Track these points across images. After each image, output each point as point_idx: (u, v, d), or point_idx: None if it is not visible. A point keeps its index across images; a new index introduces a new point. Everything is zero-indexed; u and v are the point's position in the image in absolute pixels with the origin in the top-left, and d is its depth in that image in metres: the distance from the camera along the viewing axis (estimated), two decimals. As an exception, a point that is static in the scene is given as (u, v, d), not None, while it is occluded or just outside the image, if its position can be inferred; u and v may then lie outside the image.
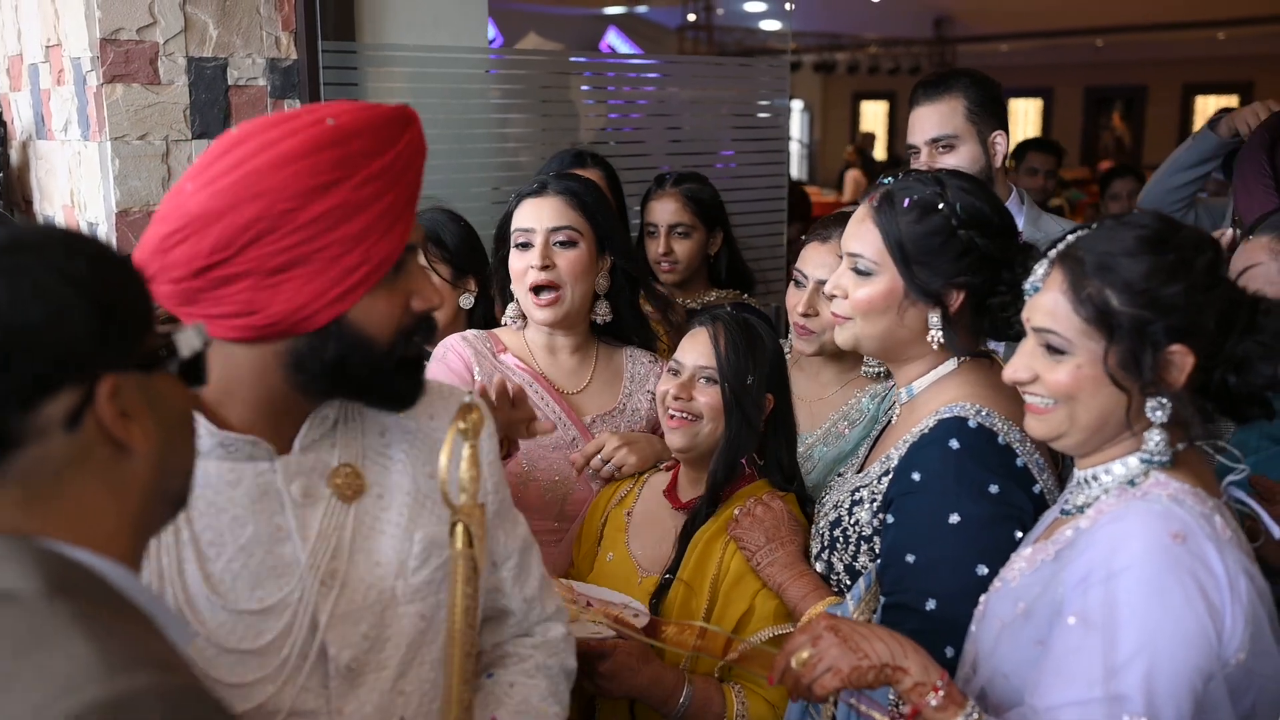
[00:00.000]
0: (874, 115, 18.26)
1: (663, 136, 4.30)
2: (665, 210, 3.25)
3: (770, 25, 12.93)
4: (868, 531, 1.92)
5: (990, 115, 2.93)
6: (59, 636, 0.88)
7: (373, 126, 1.36)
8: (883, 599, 1.85)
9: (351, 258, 1.32)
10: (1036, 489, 1.83)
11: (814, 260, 2.52)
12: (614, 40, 12.34)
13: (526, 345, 2.54)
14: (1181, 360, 1.50)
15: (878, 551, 1.90)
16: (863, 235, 1.93)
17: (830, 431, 2.52)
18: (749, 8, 12.73)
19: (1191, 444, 1.57)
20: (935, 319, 1.89)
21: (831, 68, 16.80)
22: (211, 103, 3.13)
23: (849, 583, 1.95)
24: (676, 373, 2.22)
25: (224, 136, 1.40)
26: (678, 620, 2.08)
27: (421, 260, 2.46)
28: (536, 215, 2.43)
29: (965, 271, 1.87)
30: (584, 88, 4.23)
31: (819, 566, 2.03)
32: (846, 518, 1.97)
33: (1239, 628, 1.43)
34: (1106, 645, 1.43)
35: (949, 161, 2.86)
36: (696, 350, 2.20)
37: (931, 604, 1.78)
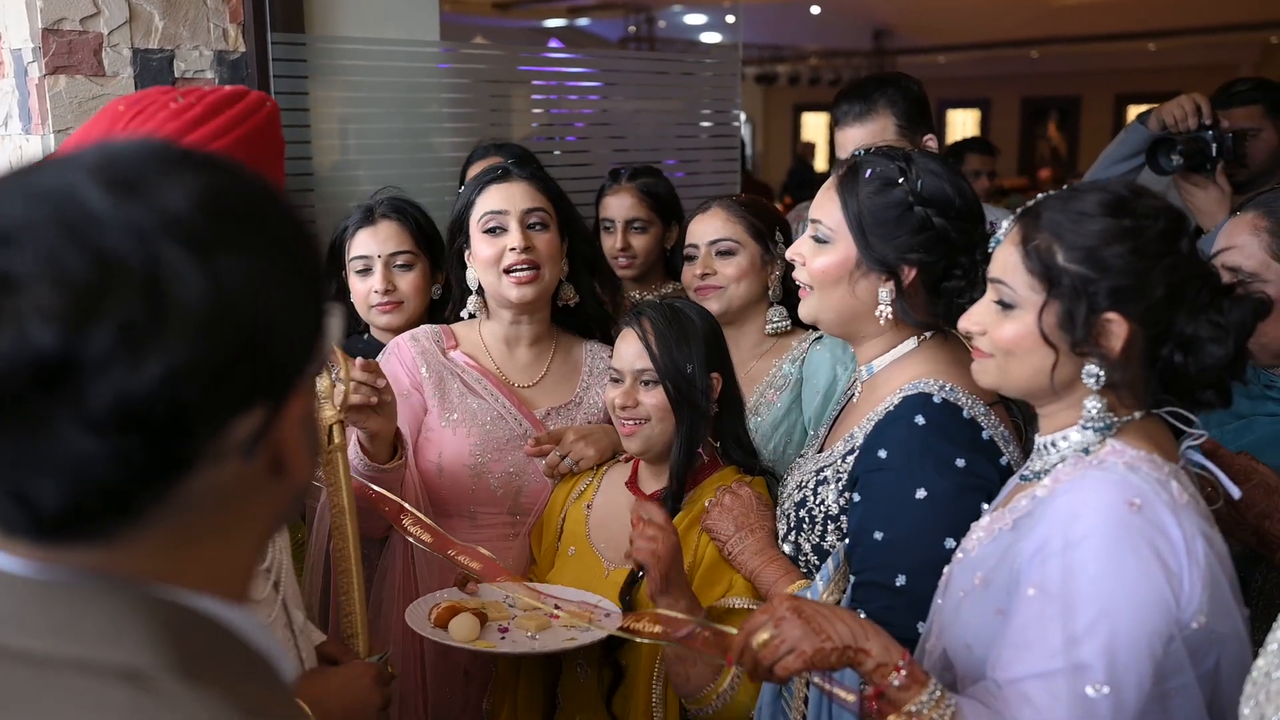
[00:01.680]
0: (815, 127, 18.40)
1: (610, 134, 4.31)
2: (621, 205, 3.24)
3: (711, 37, 13.00)
4: (834, 511, 1.92)
5: (919, 123, 2.86)
6: None
7: (279, 115, 1.48)
8: (852, 577, 1.85)
9: None
10: (1004, 460, 1.84)
11: (699, 230, 2.67)
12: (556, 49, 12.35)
13: (481, 340, 2.53)
14: (1118, 329, 1.50)
15: (845, 530, 1.89)
16: (825, 204, 1.95)
17: (759, 402, 2.56)
18: (690, 20, 12.78)
19: (1149, 411, 1.57)
20: (885, 293, 1.90)
21: (773, 79, 16.91)
22: (157, 95, 3.07)
23: (817, 563, 1.95)
24: (618, 380, 2.21)
25: (192, 102, 1.38)
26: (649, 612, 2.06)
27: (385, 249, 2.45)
28: (509, 198, 2.42)
29: (919, 248, 1.88)
30: (535, 82, 4.23)
31: (786, 548, 2.02)
32: (811, 498, 1.96)
33: (1197, 592, 1.44)
34: (1065, 616, 1.43)
35: None
36: (630, 352, 2.19)
37: (901, 580, 1.78)
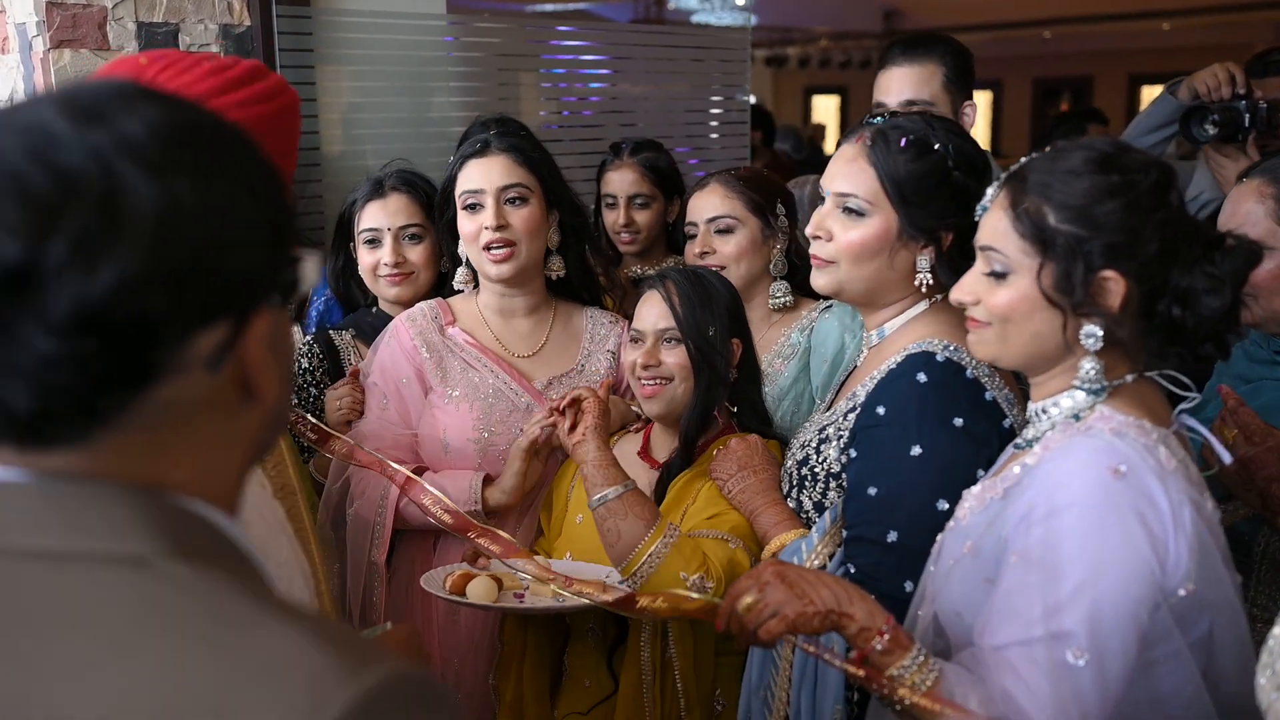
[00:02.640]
0: (825, 109, 18.33)
1: (617, 113, 4.31)
2: (624, 181, 3.21)
3: (722, 19, 12.96)
4: (835, 469, 1.91)
5: (964, 86, 2.87)
6: (260, 620, 0.79)
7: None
8: (845, 532, 1.84)
9: None
10: (1006, 423, 1.83)
11: (697, 207, 2.64)
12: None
13: (479, 311, 2.52)
14: (1115, 286, 1.48)
15: (847, 485, 1.89)
16: (855, 174, 1.89)
17: (767, 371, 2.55)
18: (701, 2, 12.74)
19: (1142, 375, 1.56)
20: (924, 261, 1.89)
21: (783, 62, 16.84)
22: (163, 69, 3.06)
23: (818, 520, 1.93)
24: (639, 340, 2.20)
25: (227, 63, 1.41)
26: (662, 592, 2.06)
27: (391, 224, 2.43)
28: (485, 175, 2.40)
29: (958, 212, 1.85)
30: (545, 56, 4.21)
31: (789, 505, 2.02)
32: (814, 456, 1.96)
33: (1184, 558, 1.43)
34: (1048, 583, 1.42)
35: None
36: (654, 313, 2.19)
37: (893, 536, 1.77)
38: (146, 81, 1.31)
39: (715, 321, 2.15)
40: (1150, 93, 15.79)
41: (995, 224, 1.57)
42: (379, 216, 2.76)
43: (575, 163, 4.13)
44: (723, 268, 2.56)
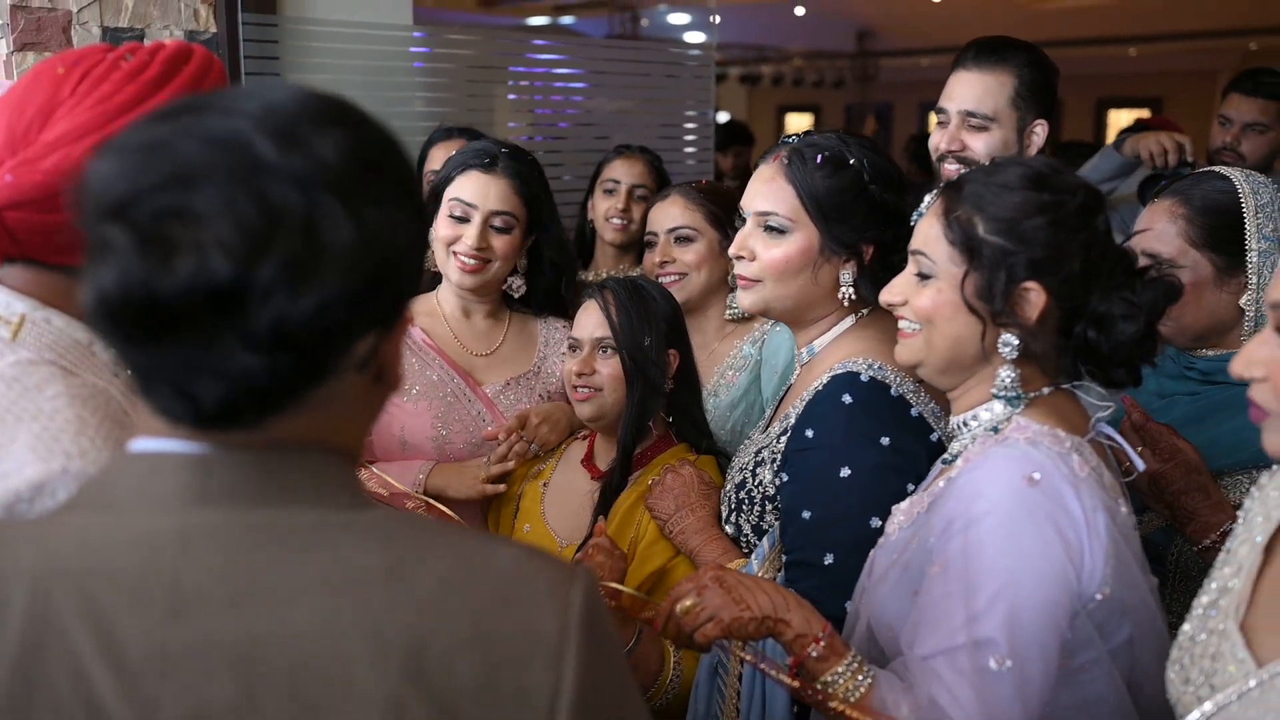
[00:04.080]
0: (799, 128, 18.46)
1: (582, 125, 4.34)
2: (631, 170, 3.26)
3: (694, 37, 13.04)
4: (770, 491, 1.93)
5: (1037, 102, 2.61)
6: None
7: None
8: (784, 557, 1.87)
9: None
10: (934, 437, 1.87)
11: (658, 218, 2.70)
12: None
13: (438, 307, 2.56)
14: (1035, 298, 1.53)
15: (781, 510, 1.91)
16: (774, 193, 1.92)
17: (720, 383, 2.59)
18: (673, 19, 12.80)
19: (1059, 387, 1.61)
20: (848, 275, 1.92)
21: (757, 80, 16.94)
22: (127, 74, 3.06)
23: (757, 543, 1.97)
24: (576, 348, 2.23)
25: (145, 60, 1.38)
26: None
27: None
28: (483, 194, 2.42)
29: (876, 225, 1.90)
30: (513, 69, 4.24)
31: (729, 529, 2.04)
32: (750, 479, 1.98)
33: (1099, 564, 1.47)
34: (968, 592, 1.46)
35: (975, 142, 2.59)
36: (590, 322, 2.22)
37: (829, 559, 1.79)
38: (72, 93, 1.32)
39: (651, 332, 2.18)
40: (1117, 116, 16.02)
41: (928, 229, 1.62)
42: None
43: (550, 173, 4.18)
44: (682, 275, 2.59)
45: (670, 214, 2.69)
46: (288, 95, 0.92)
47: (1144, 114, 15.09)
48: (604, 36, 12.98)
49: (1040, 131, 2.63)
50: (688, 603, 1.60)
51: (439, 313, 2.55)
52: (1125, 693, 1.53)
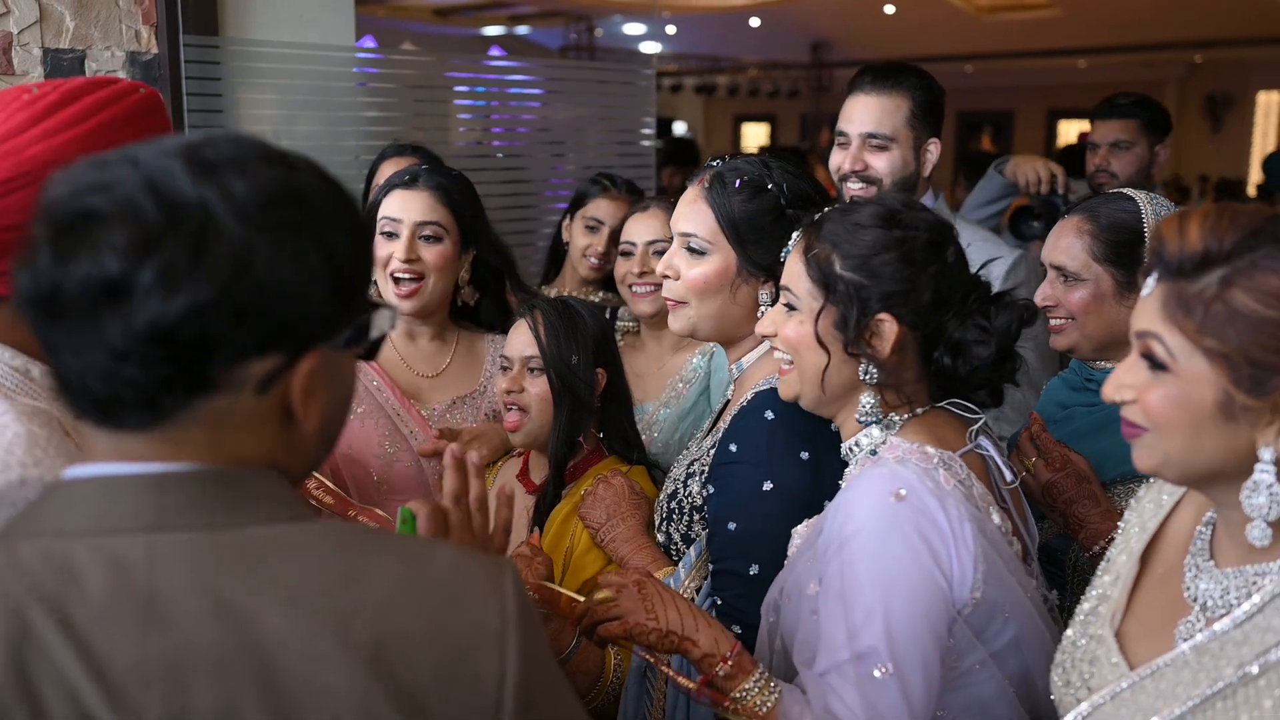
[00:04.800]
0: (755, 136, 18.60)
1: (526, 140, 4.39)
2: (615, 214, 3.24)
3: (651, 47, 13.10)
4: (699, 502, 2.00)
5: (929, 122, 2.81)
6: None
7: (160, 103, 1.49)
8: (710, 566, 1.93)
9: None
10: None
11: (637, 229, 2.76)
12: (498, 57, 12.38)
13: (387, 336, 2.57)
14: (888, 329, 1.64)
15: (708, 520, 1.97)
16: (695, 215, 2.00)
17: (670, 394, 2.65)
18: (629, 29, 12.88)
19: (932, 406, 1.71)
20: (765, 295, 1.99)
21: (712, 90, 17.08)
22: (69, 95, 3.09)
23: (686, 550, 2.03)
24: (507, 368, 2.29)
25: (47, 91, 1.41)
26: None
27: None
28: (405, 207, 2.47)
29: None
30: (457, 88, 4.28)
31: (660, 537, 2.10)
32: (681, 490, 2.04)
33: (969, 569, 1.55)
34: (846, 609, 1.54)
35: (876, 161, 2.76)
36: (520, 342, 2.28)
37: (754, 569, 1.86)
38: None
39: (579, 350, 2.24)
40: (1067, 126, 16.27)
41: (792, 266, 1.73)
42: None
43: (489, 190, 4.22)
44: (658, 287, 2.64)
45: (650, 226, 2.75)
46: (229, 137, 1.01)
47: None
48: (558, 47, 13.07)
49: (934, 149, 2.80)
50: (603, 594, 1.69)
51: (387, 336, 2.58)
52: (1012, 694, 1.62)
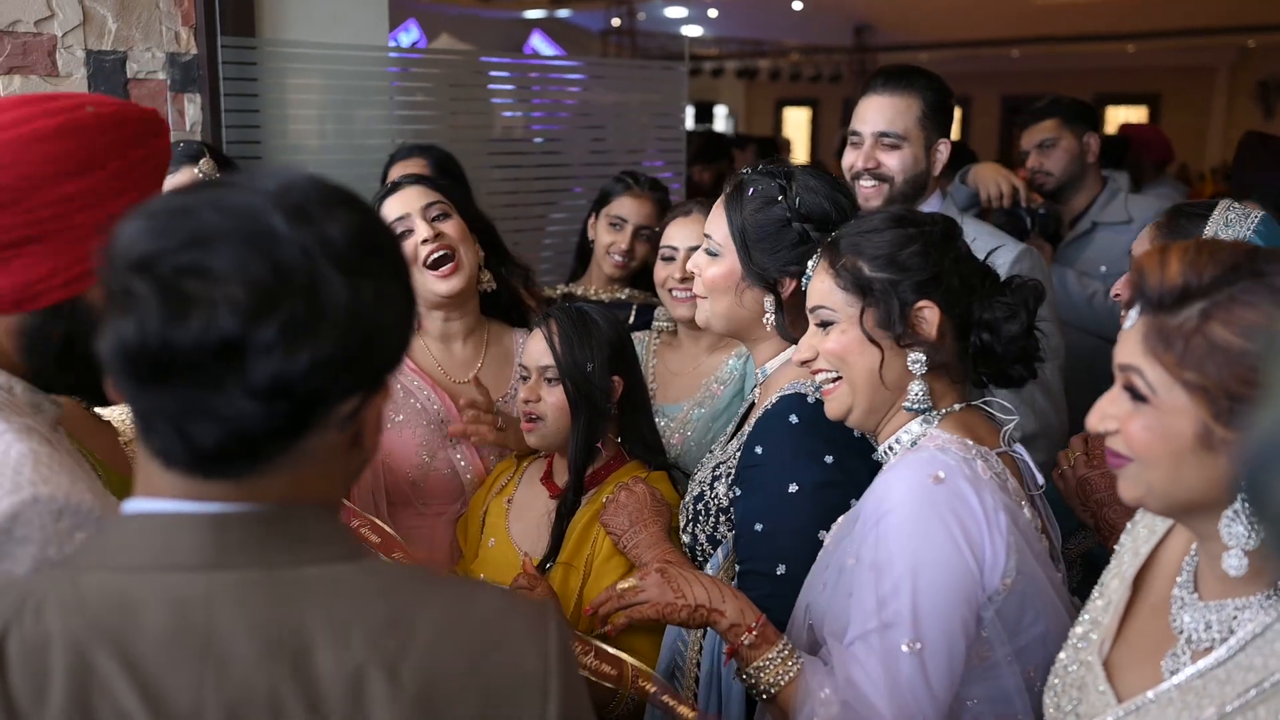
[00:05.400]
0: (796, 122, 18.51)
1: (565, 135, 4.42)
2: (639, 211, 3.31)
3: (691, 31, 13.08)
4: (725, 504, 2.04)
5: (940, 123, 2.89)
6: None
7: (127, 123, 1.41)
8: (738, 567, 1.97)
9: (91, 244, 1.24)
10: (876, 456, 1.96)
11: (679, 234, 2.79)
12: (538, 43, 12.39)
13: (422, 341, 2.62)
14: (930, 314, 1.72)
15: (735, 522, 2.01)
16: (715, 219, 2.09)
17: (704, 395, 2.68)
18: (670, 13, 12.86)
19: (969, 405, 1.78)
20: (769, 303, 2.04)
21: (754, 74, 17.01)
22: (110, 95, 3.17)
23: (712, 552, 2.07)
24: (525, 377, 2.33)
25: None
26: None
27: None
28: (403, 203, 2.52)
29: (796, 261, 2.01)
30: (491, 86, 4.32)
31: (685, 539, 2.14)
32: (708, 492, 2.08)
33: (1001, 556, 1.61)
34: (878, 579, 1.61)
35: (889, 159, 2.85)
36: (536, 350, 2.31)
37: (781, 569, 1.90)
38: None
39: (594, 358, 2.26)
40: (1115, 112, 16.03)
41: (820, 285, 1.79)
42: None
43: (521, 188, 4.28)
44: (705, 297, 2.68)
45: (691, 231, 2.75)
46: (301, 178, 1.03)
47: (1140, 111, 15.17)
48: (600, 31, 13.07)
49: (944, 149, 2.88)
50: (629, 583, 1.77)
51: (421, 344, 2.62)
52: (1025, 691, 1.66)
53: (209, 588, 0.97)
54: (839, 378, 1.77)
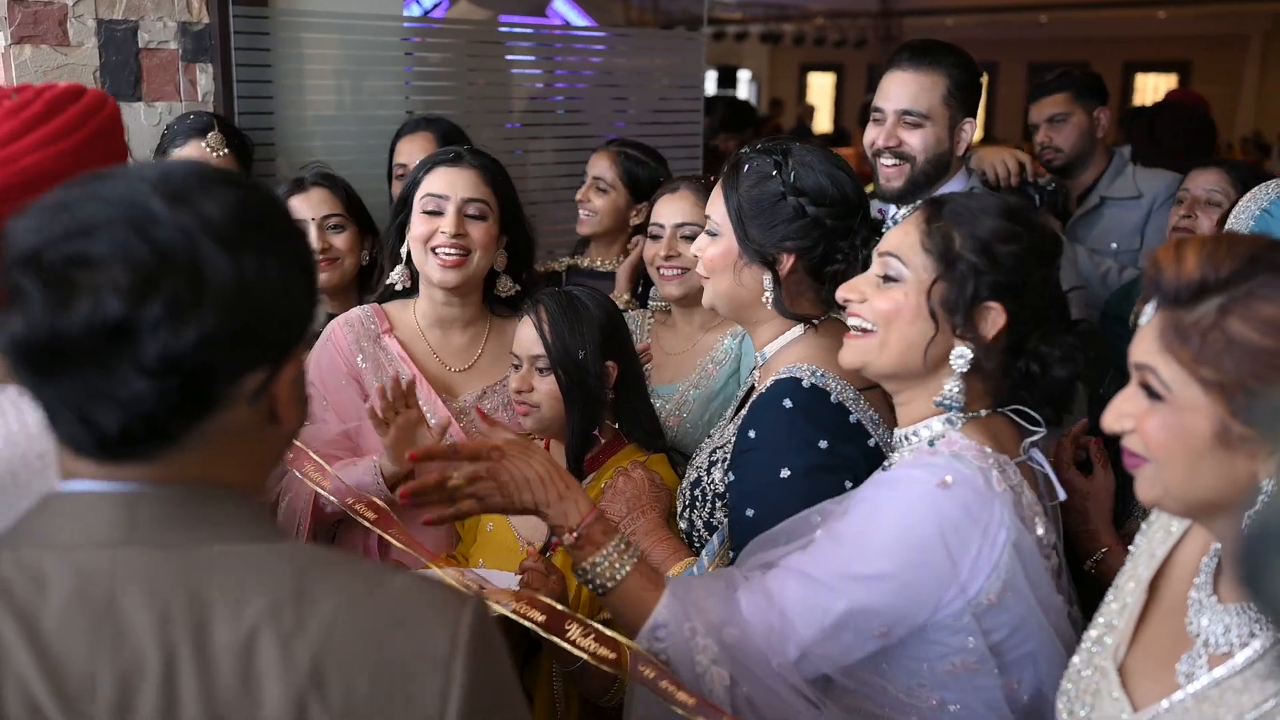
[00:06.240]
0: (821, 87, 18.35)
1: (580, 106, 4.38)
2: (597, 164, 3.35)
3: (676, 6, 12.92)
4: (720, 489, 2.02)
5: (965, 102, 2.80)
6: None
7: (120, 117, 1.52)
8: (732, 553, 1.95)
9: None
10: (871, 443, 1.94)
11: (666, 211, 2.75)
12: (562, 6, 12.27)
13: (416, 322, 2.57)
14: (995, 317, 1.65)
15: (728, 507, 1.99)
16: (715, 199, 2.05)
17: (701, 375, 2.66)
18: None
19: (995, 411, 1.71)
20: (768, 281, 2.00)
21: (778, 38, 16.85)
22: (122, 65, 3.15)
23: (709, 537, 2.05)
24: (517, 366, 2.29)
25: (29, 99, 1.45)
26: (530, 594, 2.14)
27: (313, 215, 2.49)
28: (450, 184, 2.45)
29: (793, 236, 1.97)
30: (508, 57, 4.28)
31: (683, 524, 2.13)
32: (705, 477, 2.07)
33: (984, 571, 1.58)
34: (857, 543, 1.63)
35: (911, 138, 2.78)
36: (527, 339, 2.26)
37: None
38: None
39: (586, 344, 2.22)
40: (1143, 80, 15.84)
41: (905, 235, 1.71)
42: (303, 209, 2.91)
43: (535, 158, 4.24)
44: (684, 270, 2.65)
45: (679, 208, 2.72)
46: (182, 165, 1.06)
47: (1171, 79, 14.96)
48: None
49: (969, 129, 2.81)
50: (459, 479, 1.69)
51: (416, 328, 2.57)
52: (1004, 703, 1.66)
53: (114, 562, 1.00)
54: (874, 330, 1.72)
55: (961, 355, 1.66)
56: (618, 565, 1.68)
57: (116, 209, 0.97)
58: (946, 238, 1.66)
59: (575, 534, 1.68)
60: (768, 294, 2.00)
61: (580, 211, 3.33)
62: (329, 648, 0.99)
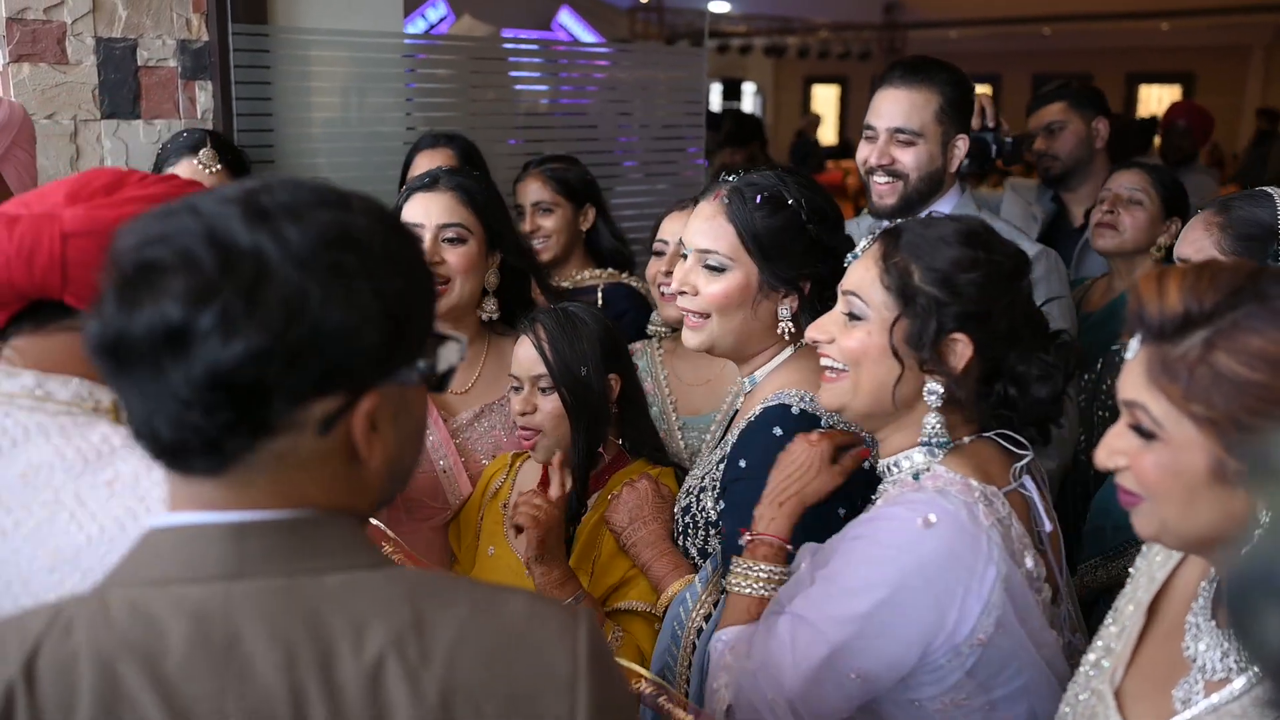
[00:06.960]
0: (825, 99, 18.36)
1: (576, 124, 4.36)
2: (530, 191, 3.24)
3: (719, 7, 12.95)
4: (712, 517, 2.00)
5: (958, 119, 2.78)
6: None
7: None
8: (723, 580, 1.92)
9: None
10: (865, 465, 1.91)
11: (671, 228, 2.69)
12: (567, 20, 12.29)
13: None
14: (962, 349, 1.61)
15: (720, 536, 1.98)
16: (714, 231, 1.98)
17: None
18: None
19: (980, 435, 1.68)
20: (785, 310, 1.98)
21: (782, 51, 16.85)
22: (121, 83, 3.15)
23: (703, 563, 2.03)
24: (518, 388, 2.25)
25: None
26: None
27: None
28: (425, 211, 2.43)
29: (813, 262, 1.96)
30: (511, 73, 4.27)
31: None
32: (695, 504, 2.05)
33: (974, 613, 1.54)
34: (840, 583, 1.60)
35: (904, 156, 2.74)
36: (527, 359, 2.22)
37: None
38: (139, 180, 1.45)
39: (587, 360, 2.18)
40: (1147, 91, 15.83)
41: (864, 272, 1.68)
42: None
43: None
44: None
45: (681, 227, 2.70)
46: (288, 183, 1.04)
47: (1175, 90, 14.96)
48: (627, 7, 12.96)
49: (961, 146, 2.77)
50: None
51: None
52: None
53: (228, 598, 0.98)
54: (846, 370, 1.69)
55: (932, 391, 1.63)
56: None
57: (200, 220, 0.98)
58: (904, 273, 1.62)
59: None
60: (784, 324, 1.97)
61: (535, 242, 3.16)
62: (455, 678, 0.98)
